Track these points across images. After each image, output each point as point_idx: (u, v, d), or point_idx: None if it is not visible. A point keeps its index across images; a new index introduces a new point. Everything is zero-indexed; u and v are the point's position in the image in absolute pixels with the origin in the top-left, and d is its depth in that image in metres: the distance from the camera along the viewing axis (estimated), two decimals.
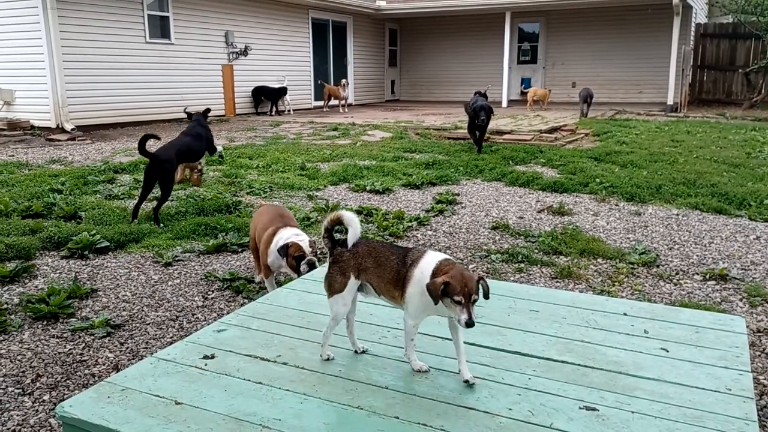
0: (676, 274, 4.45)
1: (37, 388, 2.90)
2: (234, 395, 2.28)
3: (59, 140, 11.16)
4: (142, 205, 5.74)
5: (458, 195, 6.96)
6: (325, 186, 7.44)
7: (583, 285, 4.24)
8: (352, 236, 2.35)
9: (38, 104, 12.11)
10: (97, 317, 3.64)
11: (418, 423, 2.05)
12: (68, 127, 11.94)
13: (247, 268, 4.55)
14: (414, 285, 2.23)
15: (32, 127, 12.08)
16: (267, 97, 16.61)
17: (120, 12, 12.99)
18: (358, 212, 6.10)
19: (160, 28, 14.00)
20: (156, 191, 5.75)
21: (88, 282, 4.24)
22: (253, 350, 2.64)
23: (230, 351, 2.65)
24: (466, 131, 10.52)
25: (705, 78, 20.07)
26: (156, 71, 13.85)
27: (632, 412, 2.15)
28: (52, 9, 11.49)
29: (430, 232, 5.52)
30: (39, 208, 5.92)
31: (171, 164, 5.87)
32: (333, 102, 18.38)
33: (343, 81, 18.09)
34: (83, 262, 4.65)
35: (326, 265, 2.44)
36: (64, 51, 11.85)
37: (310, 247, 3.69)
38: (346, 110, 17.81)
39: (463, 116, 15.90)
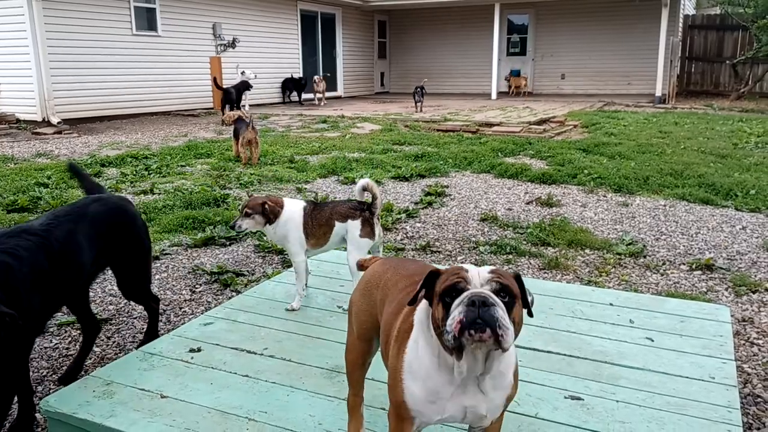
0: (663, 264, 4.47)
1: None
2: (220, 388, 2.28)
3: (45, 134, 11.05)
4: (130, 199, 5.67)
5: (447, 187, 6.96)
6: (314, 178, 7.42)
7: (571, 276, 4.26)
8: None
9: (24, 97, 11.98)
10: None
11: None
12: (54, 120, 11.82)
13: (235, 262, 4.54)
14: None
15: (18, 120, 11.96)
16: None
17: (106, 3, 12.85)
18: None
19: (147, 20, 13.87)
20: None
21: None
22: (239, 343, 2.64)
23: (217, 344, 2.64)
24: (455, 123, 10.31)
25: (693, 69, 20.16)
26: (143, 64, 13.73)
27: (617, 401, 2.16)
28: (37, 0, 11.35)
29: (419, 225, 5.52)
30: (24, 202, 5.87)
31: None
32: (314, 95, 18.00)
33: (316, 77, 17.61)
34: None
35: None
36: (49, 43, 11.71)
37: None
38: (323, 104, 17.44)
39: (452, 108, 15.91)
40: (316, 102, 17.65)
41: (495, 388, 1.53)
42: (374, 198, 3.08)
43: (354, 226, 3.07)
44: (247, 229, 3.09)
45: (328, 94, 18.41)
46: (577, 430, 2.00)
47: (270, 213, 3.03)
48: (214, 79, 14.33)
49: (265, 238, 5.07)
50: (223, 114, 12.13)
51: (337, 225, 3.10)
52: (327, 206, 3.17)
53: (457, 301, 1.42)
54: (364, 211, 3.09)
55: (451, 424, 1.91)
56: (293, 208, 3.12)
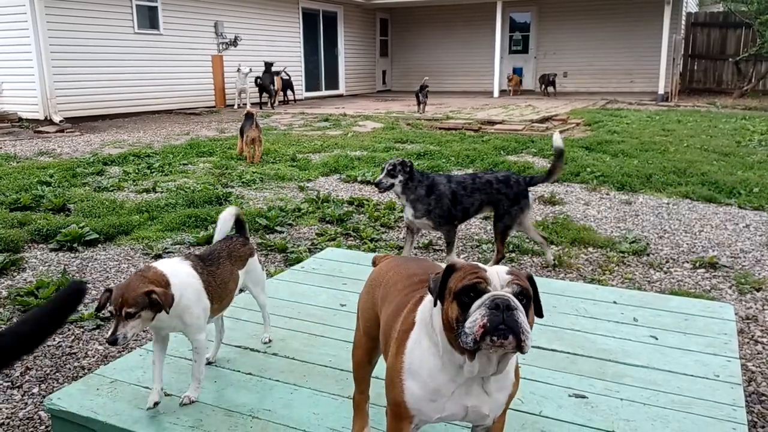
0: (666, 262, 4.46)
1: (26, 381, 2.88)
2: (224, 386, 2.28)
3: (48, 132, 11.06)
4: (133, 197, 5.69)
5: None
6: (316, 177, 7.41)
7: (574, 274, 4.25)
8: None
9: (26, 96, 11.98)
10: (86, 310, 3.61)
11: None
12: (57, 119, 11.83)
13: None
14: None
15: (20, 119, 11.97)
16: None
17: (108, 2, 12.85)
18: (349, 203, 6.08)
19: (149, 19, 13.87)
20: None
21: (77, 274, 4.22)
22: (243, 341, 2.64)
23: (220, 342, 2.64)
24: (457, 121, 10.26)
25: (696, 67, 20.12)
26: (145, 62, 13.73)
27: (621, 399, 2.16)
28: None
29: None
30: (27, 200, 5.87)
31: None
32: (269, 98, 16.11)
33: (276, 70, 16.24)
34: (72, 255, 4.62)
35: None
36: (51, 42, 11.71)
37: None
38: (276, 107, 15.74)
39: (454, 106, 15.87)
40: (269, 106, 15.63)
41: (499, 389, 1.52)
42: (244, 224, 2.60)
43: (255, 262, 2.56)
44: (134, 335, 2.02)
45: (329, 92, 18.28)
46: (581, 428, 2.00)
47: (164, 301, 2.00)
48: (270, 64, 15.47)
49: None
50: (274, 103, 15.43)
51: (240, 273, 2.46)
52: (218, 255, 2.37)
53: (478, 303, 1.36)
54: (248, 241, 2.58)
55: (453, 422, 1.90)
56: (182, 273, 2.16)
